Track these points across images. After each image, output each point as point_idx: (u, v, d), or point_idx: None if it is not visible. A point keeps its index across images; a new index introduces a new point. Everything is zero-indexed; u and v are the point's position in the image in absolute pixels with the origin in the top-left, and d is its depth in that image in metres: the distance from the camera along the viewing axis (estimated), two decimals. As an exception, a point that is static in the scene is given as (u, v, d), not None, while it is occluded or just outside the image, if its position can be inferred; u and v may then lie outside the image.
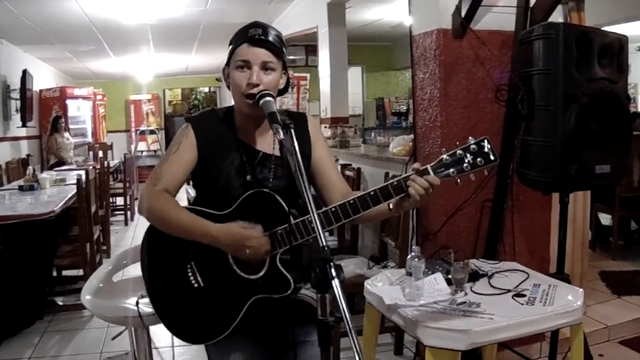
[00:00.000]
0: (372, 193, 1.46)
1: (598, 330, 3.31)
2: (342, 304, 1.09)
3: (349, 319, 1.08)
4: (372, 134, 7.27)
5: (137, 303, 2.11)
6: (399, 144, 3.71)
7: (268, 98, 1.50)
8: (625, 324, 3.44)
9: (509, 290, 2.14)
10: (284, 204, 1.52)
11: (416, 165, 1.47)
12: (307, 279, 1.58)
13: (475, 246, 2.86)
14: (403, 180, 1.45)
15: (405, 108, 9.90)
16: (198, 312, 1.58)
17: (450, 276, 2.16)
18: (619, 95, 2.44)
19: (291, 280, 1.52)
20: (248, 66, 1.54)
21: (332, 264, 1.14)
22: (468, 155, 1.45)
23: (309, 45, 7.55)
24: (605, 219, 5.33)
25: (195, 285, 1.58)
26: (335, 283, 1.12)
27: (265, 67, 1.55)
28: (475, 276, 2.26)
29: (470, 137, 1.48)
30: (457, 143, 1.48)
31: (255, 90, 1.53)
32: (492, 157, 1.46)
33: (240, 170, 1.60)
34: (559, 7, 2.92)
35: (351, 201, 1.46)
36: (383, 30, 8.77)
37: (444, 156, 1.46)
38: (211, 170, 1.61)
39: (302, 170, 1.31)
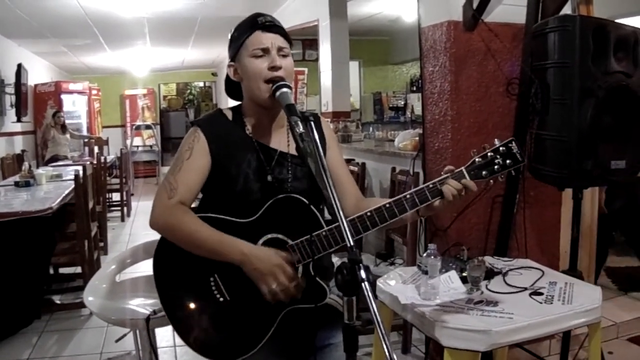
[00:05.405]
0: (408, 196, 1.42)
1: (607, 328, 3.27)
2: (374, 307, 1.03)
3: (381, 324, 1.02)
4: (370, 128, 7.22)
5: (148, 319, 2.01)
6: (404, 138, 3.64)
7: (285, 89, 1.43)
8: (633, 321, 3.40)
9: (526, 289, 2.08)
10: (314, 209, 1.45)
11: (450, 167, 1.46)
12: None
13: (486, 243, 2.80)
14: (439, 183, 1.43)
15: (402, 103, 9.85)
16: (225, 329, 1.47)
17: (464, 274, 2.11)
18: (634, 89, 2.38)
19: (327, 289, 1.45)
20: (266, 52, 1.49)
21: (361, 265, 1.07)
22: (498, 156, 1.48)
23: (306, 40, 7.54)
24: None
25: (221, 299, 1.48)
26: (366, 286, 1.05)
27: (280, 52, 1.50)
28: (490, 274, 2.20)
29: (496, 140, 1.51)
30: (486, 146, 1.50)
31: (278, 73, 1.47)
32: (519, 158, 1.49)
33: (259, 172, 1.53)
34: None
35: (387, 205, 1.41)
36: (381, 25, 8.70)
37: (476, 158, 1.48)
38: (227, 174, 1.52)
39: (325, 166, 1.22)
